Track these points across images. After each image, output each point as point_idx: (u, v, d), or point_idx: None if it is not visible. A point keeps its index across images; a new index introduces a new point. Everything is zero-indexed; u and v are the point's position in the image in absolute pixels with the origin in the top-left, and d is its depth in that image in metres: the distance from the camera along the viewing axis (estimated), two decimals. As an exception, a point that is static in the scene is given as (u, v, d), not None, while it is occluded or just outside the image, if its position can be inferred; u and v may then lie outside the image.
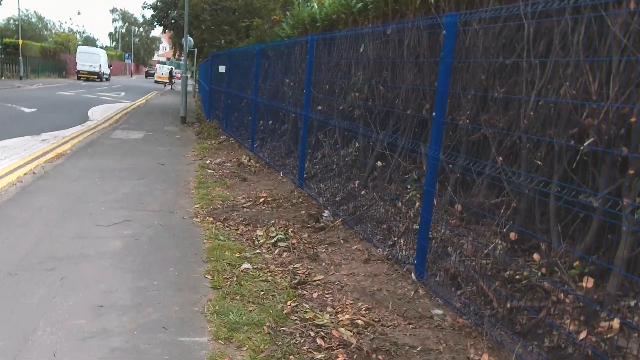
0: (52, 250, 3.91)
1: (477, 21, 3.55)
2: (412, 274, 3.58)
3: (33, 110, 14.71)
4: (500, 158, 3.49)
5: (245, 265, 3.74)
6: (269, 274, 3.62)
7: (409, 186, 4.81)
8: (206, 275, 3.57)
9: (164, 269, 3.68)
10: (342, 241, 4.36)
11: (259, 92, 9.02)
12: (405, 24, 4.33)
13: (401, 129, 5.20)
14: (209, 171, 7.34)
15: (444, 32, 3.35)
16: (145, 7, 16.64)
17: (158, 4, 16.09)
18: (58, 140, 9.64)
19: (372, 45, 5.45)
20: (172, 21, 14.98)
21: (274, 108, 8.64)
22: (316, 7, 7.07)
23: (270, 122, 9.08)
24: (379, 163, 5.14)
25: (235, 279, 3.50)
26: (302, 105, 6.71)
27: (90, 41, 76.08)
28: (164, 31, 16.69)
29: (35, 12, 69.88)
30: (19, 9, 34.80)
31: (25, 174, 6.54)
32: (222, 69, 12.22)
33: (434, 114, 3.45)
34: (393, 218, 4.49)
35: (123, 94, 26.64)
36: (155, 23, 16.42)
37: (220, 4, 14.89)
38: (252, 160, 8.18)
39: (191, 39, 26.03)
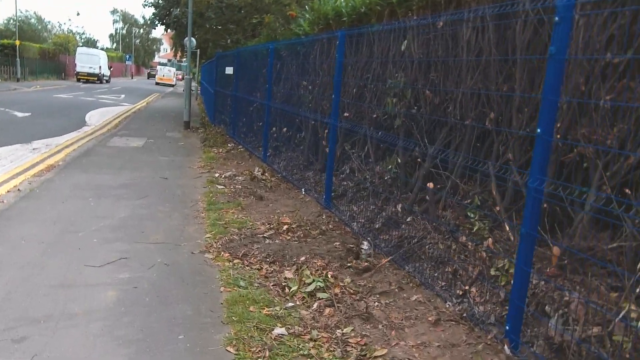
0: (25, 307, 3.00)
1: (592, 4, 2.65)
2: (505, 347, 2.66)
3: (26, 114, 13.81)
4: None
5: (279, 330, 2.83)
6: (311, 344, 2.71)
7: (470, 215, 3.90)
8: (228, 348, 2.66)
9: (172, 337, 2.77)
10: (396, 289, 3.44)
11: (272, 96, 8.10)
12: (484, 10, 3.40)
13: (456, 143, 4.30)
14: (219, 187, 6.43)
15: (556, 19, 2.44)
16: (146, 5, 15.79)
17: (160, 1, 15.19)
18: (50, 149, 8.74)
19: (419, 41, 4.55)
20: (175, 20, 14.08)
21: (290, 114, 7.74)
22: (342, -1, 6.17)
23: (285, 129, 8.17)
24: (430, 185, 4.23)
25: (267, 353, 2.59)
26: (329, 112, 5.81)
27: (91, 43, 75.32)
28: (165, 30, 15.80)
29: (34, 13, 69.07)
30: (16, 9, 33.87)
31: (8, 191, 5.65)
32: (229, 70, 11.32)
33: (538, 130, 2.54)
34: (457, 257, 3.58)
35: (123, 96, 25.75)
36: (157, 22, 15.53)
37: (225, 2, 13.99)
38: (266, 173, 7.27)
39: (193, 39, 25.18)
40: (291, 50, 7.64)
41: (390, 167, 4.89)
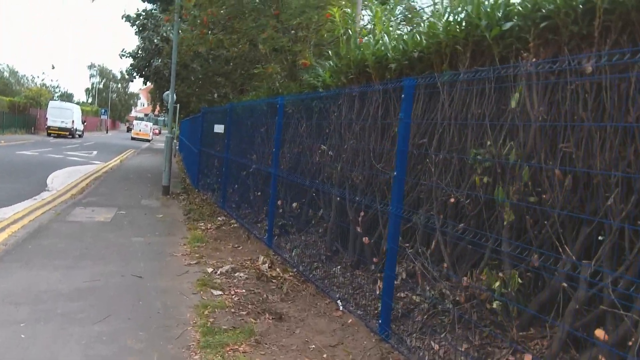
0: None
1: None
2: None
3: (-24, 176, 11.78)
4: None
5: None
6: None
7: None
8: None
9: None
10: None
11: (279, 162, 6.42)
12: None
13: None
14: (216, 294, 4.57)
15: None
16: (123, 56, 14.36)
17: (139, 52, 13.70)
18: (-10, 227, 6.78)
19: (543, 94, 2.98)
20: (155, 71, 12.56)
21: (304, 187, 6.04)
22: (386, 40, 4.62)
23: (295, 204, 6.44)
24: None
25: None
26: (372, 192, 4.12)
27: (66, 96, 73.60)
28: (144, 83, 14.28)
29: (8, 66, 67.30)
30: (-14, 61, 32.13)
31: None
32: (218, 128, 9.67)
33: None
34: None
35: (95, 152, 23.79)
36: (135, 74, 13.98)
37: (212, 52, 12.54)
38: (276, 267, 5.45)
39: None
40: (306, 107, 6.04)
41: (495, 284, 3.14)
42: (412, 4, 7.58)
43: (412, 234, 4.26)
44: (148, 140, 43.34)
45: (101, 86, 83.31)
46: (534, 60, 3.05)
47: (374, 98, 4.82)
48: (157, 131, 58.93)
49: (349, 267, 5.03)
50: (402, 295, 3.96)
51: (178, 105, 25.10)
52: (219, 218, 8.35)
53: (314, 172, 6.09)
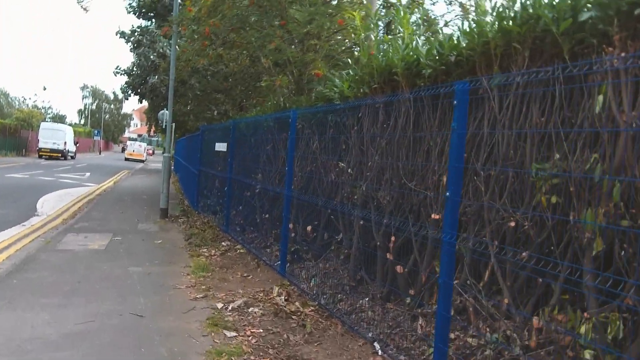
0: None
1: None
2: None
3: (-39, 202, 11.12)
4: None
5: None
6: None
7: None
8: None
9: None
10: None
11: (292, 182, 5.85)
12: None
13: None
14: (229, 335, 3.96)
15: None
16: (118, 73, 13.81)
17: (134, 69, 13.17)
18: (-29, 259, 6.14)
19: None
20: (151, 89, 12.01)
21: (318, 208, 5.49)
22: (419, 43, 4.11)
23: (309, 227, 5.86)
24: None
25: None
26: (424, 215, 3.57)
27: (58, 118, 72.99)
28: (139, 101, 13.74)
29: (0, 89, 66.73)
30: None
31: None
32: (220, 147, 9.10)
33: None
34: None
35: (88, 174, 23.13)
36: (130, 91, 13.43)
37: (211, 69, 12.05)
38: (294, 300, 4.85)
39: (167, 112, 23.18)
40: (323, 120, 5.51)
41: (581, 327, 2.55)
42: (428, 11, 7.15)
43: (456, 262, 3.69)
44: (142, 161, 42.71)
45: (94, 107, 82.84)
46: (622, 54, 2.53)
47: (403, 108, 4.29)
48: (150, 152, 58.32)
49: (378, 299, 4.44)
50: (452, 336, 3.37)
51: (174, 124, 24.55)
52: (223, 243, 7.74)
53: (330, 192, 5.53)
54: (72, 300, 4.70)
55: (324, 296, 4.77)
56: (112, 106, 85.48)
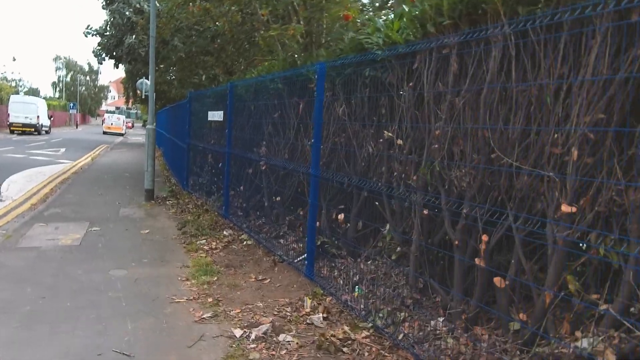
0: None
1: None
2: None
3: None
4: None
5: None
6: None
7: None
8: None
9: None
10: None
11: (319, 158, 4.51)
12: None
13: None
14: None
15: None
16: (89, 34, 12.02)
17: (107, 28, 11.46)
18: None
19: None
20: (128, 50, 10.38)
21: (352, 191, 4.20)
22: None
23: (342, 215, 4.57)
24: None
25: None
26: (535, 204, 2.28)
27: (33, 92, 69.76)
28: (115, 66, 12.03)
29: (-33, 61, 63.07)
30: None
31: None
32: (214, 116, 7.68)
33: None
34: None
35: (63, 150, 21.40)
36: (104, 54, 11.74)
37: (197, 27, 10.46)
38: (336, 318, 3.60)
39: (148, 82, 21.39)
40: (352, 78, 4.15)
41: None
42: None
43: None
44: (121, 134, 40.73)
45: (68, 79, 79.40)
46: None
47: (496, 50, 2.96)
48: (130, 124, 56.10)
49: (459, 319, 3.20)
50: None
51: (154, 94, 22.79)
52: (224, 232, 6.41)
53: (367, 169, 4.23)
54: (31, 332, 3.37)
55: (380, 315, 3.51)
56: (87, 78, 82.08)
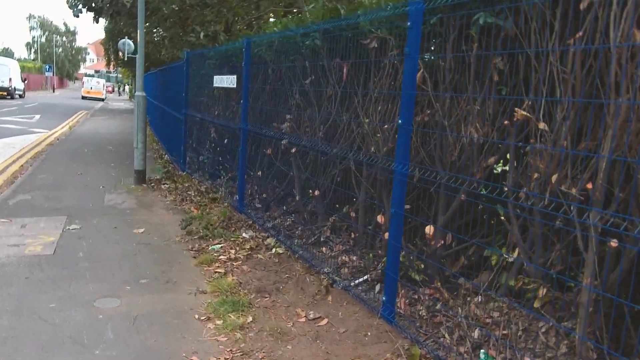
0: None
1: None
2: None
3: None
4: None
5: None
6: None
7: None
8: None
9: None
10: None
11: (408, 147, 3.05)
12: None
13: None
14: None
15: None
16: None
17: (84, -26, 9.58)
18: None
19: None
20: (110, 1, 8.61)
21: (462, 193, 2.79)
22: None
23: (432, 228, 3.17)
24: None
25: None
26: None
27: (6, 53, 66.05)
28: (95, 20, 10.19)
29: None
30: None
31: None
32: (223, 81, 6.12)
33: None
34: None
35: (38, 117, 19.49)
36: (80, 6, 9.92)
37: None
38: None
39: (131, 42, 19.40)
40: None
41: None
42: None
43: None
44: (102, 99, 38.46)
45: (44, 40, 75.44)
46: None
47: None
48: (110, 89, 53.52)
49: None
50: None
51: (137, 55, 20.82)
52: (243, 234, 4.96)
53: (468, 164, 2.83)
54: None
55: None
56: (64, 39, 78.13)
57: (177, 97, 8.60)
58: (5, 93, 31.50)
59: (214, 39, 8.82)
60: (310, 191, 4.72)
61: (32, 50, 76.38)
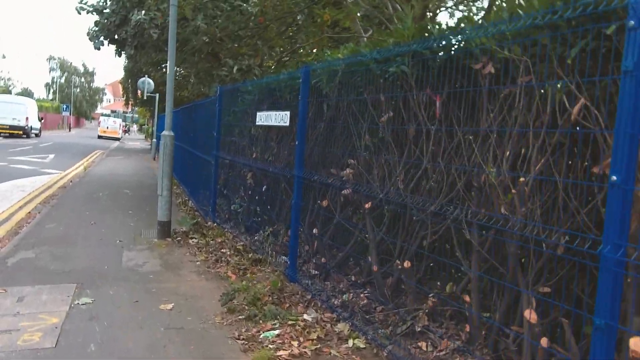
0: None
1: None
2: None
3: None
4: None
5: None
6: None
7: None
8: None
9: None
10: None
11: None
12: None
13: None
14: None
15: None
16: (83, 10, 9.56)
17: (107, 3, 8.82)
18: None
19: None
20: (135, 31, 7.82)
21: None
22: None
23: None
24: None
25: None
26: None
27: (26, 93, 66.79)
28: (117, 53, 9.45)
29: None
30: None
31: None
32: (268, 119, 5.10)
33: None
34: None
35: (51, 157, 18.73)
36: (102, 38, 9.13)
37: (223, 5, 7.92)
38: None
39: (151, 81, 18.81)
40: None
41: None
42: None
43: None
44: (118, 139, 38.09)
45: (62, 81, 76.58)
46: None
47: None
48: (125, 128, 53.54)
49: None
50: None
51: (157, 95, 20.30)
52: (304, 315, 3.81)
53: None
54: None
55: None
56: (82, 79, 79.32)
57: (206, 137, 7.61)
58: (21, 132, 31.11)
59: (248, 73, 7.90)
60: (394, 258, 3.59)
61: (51, 90, 77.41)
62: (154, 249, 5.78)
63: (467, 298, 3.03)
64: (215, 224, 6.69)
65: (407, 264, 3.39)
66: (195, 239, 6.19)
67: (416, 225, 3.48)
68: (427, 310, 3.31)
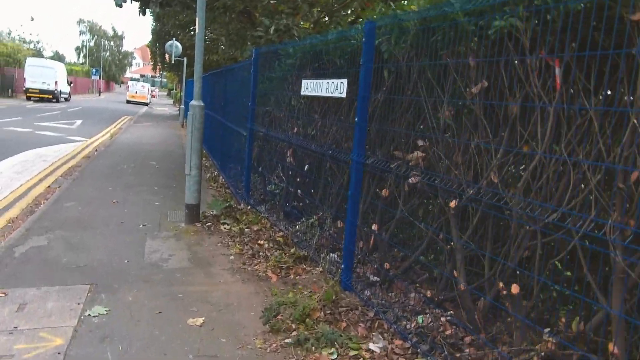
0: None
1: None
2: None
3: None
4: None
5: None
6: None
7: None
8: None
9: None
10: None
11: None
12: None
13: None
14: None
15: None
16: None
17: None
18: None
19: None
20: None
21: None
22: None
23: None
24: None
25: None
26: None
27: (58, 57, 66.82)
28: (141, 12, 8.67)
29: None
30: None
31: None
32: (317, 88, 4.19)
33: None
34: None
35: (78, 123, 18.27)
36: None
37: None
38: None
39: (179, 44, 17.93)
40: None
41: None
42: None
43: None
44: (146, 104, 37.74)
45: (92, 44, 76.32)
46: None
47: None
48: (154, 93, 53.24)
49: None
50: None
51: (185, 59, 19.47)
52: (370, 345, 2.99)
53: None
54: None
55: None
56: (112, 43, 78.95)
57: (239, 107, 6.76)
58: (50, 96, 30.90)
59: (286, 33, 6.96)
60: (483, 271, 2.72)
61: (82, 54, 77.43)
62: (181, 237, 5.03)
63: (610, 347, 2.17)
64: (249, 207, 5.90)
65: (514, 288, 2.52)
66: (228, 224, 5.42)
67: (523, 236, 2.60)
68: (542, 354, 2.45)
